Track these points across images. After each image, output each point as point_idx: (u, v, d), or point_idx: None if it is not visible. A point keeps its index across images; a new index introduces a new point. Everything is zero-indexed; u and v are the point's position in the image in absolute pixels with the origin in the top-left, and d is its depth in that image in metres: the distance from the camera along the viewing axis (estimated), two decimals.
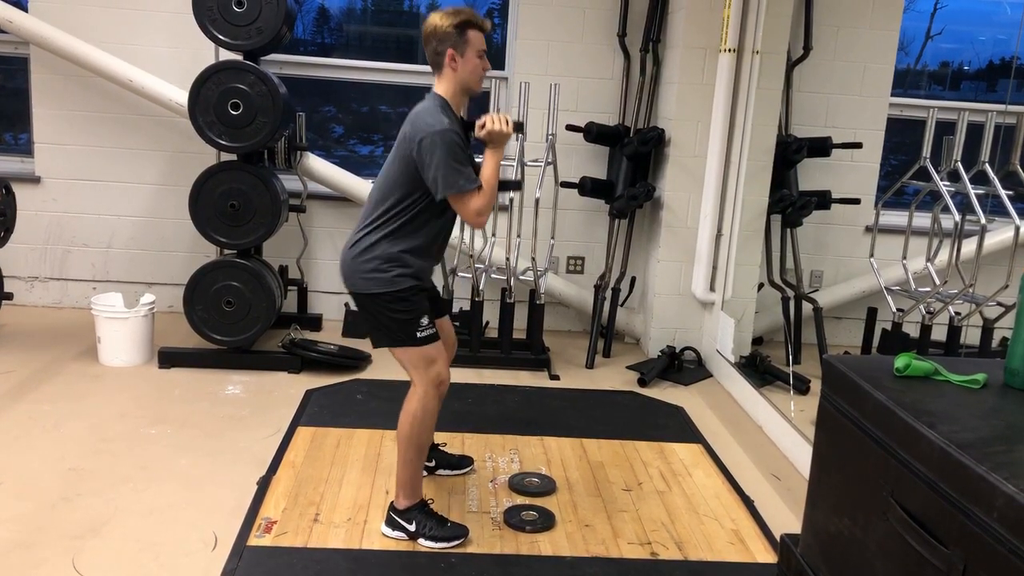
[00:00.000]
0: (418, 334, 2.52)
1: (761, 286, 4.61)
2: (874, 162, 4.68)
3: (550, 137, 4.31)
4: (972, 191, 3.60)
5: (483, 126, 2.50)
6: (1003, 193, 3.55)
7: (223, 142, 4.01)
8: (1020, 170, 3.60)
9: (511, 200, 4.43)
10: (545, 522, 2.77)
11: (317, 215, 4.92)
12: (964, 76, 4.83)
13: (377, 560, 2.52)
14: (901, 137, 4.77)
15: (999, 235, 3.72)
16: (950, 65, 4.87)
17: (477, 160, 2.59)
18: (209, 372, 4.01)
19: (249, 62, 4.02)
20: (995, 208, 3.61)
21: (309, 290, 4.93)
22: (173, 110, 4.46)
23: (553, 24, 4.78)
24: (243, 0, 3.92)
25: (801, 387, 3.97)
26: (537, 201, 4.24)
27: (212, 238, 4.12)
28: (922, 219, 3.96)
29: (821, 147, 4.52)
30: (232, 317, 4.07)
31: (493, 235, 4.51)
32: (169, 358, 4.07)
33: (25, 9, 4.56)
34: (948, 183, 3.69)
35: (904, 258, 4.00)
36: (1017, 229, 3.54)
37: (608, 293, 4.75)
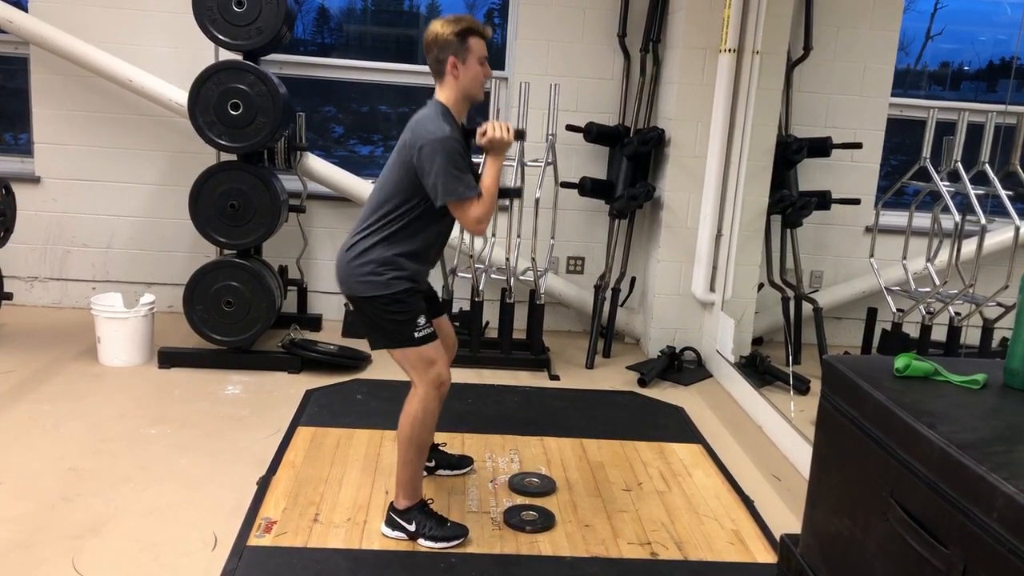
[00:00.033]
0: (415, 335, 2.53)
1: (761, 286, 4.61)
2: (874, 162, 4.68)
3: (550, 137, 4.31)
4: (972, 191, 3.60)
5: (484, 133, 2.50)
6: (1003, 193, 3.55)
7: (223, 142, 4.01)
8: (1020, 170, 3.60)
9: (511, 201, 4.43)
10: (545, 522, 2.77)
11: (317, 215, 4.93)
12: (964, 76, 4.83)
13: (377, 560, 2.52)
14: (901, 137, 4.77)
15: (999, 235, 3.72)
16: (950, 65, 4.87)
17: (476, 161, 2.59)
18: (209, 372, 4.01)
19: (249, 62, 4.02)
20: (995, 208, 3.61)
21: (309, 290, 4.93)
22: (173, 110, 4.46)
23: (553, 24, 4.78)
24: (243, 0, 3.92)
25: (801, 387, 3.97)
26: (537, 201, 4.25)
27: (212, 238, 4.12)
28: (922, 219, 3.97)
29: (821, 147, 4.52)
30: (232, 317, 4.07)
31: (493, 235, 4.52)
32: (169, 358, 4.07)
33: (25, 9, 4.56)
34: (948, 183, 3.69)
35: (904, 258, 4.00)
36: (1017, 229, 3.54)
37: (608, 293, 4.75)
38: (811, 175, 4.65)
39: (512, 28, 4.88)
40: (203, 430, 3.38)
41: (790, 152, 4.42)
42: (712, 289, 4.55)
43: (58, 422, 3.37)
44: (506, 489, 3.02)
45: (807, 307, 4.55)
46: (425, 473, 2.87)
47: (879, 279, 4.04)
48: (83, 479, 2.91)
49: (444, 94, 2.53)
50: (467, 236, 4.49)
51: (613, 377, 4.41)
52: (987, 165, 3.63)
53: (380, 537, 2.63)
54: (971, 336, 3.82)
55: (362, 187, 4.64)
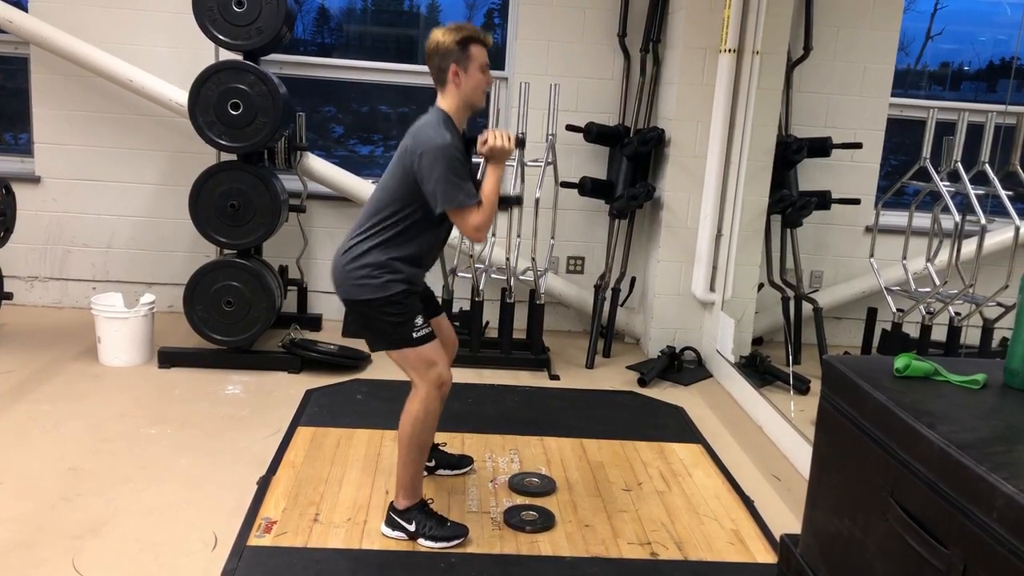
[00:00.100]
0: (414, 335, 2.53)
1: (761, 286, 4.61)
2: (874, 162, 4.68)
3: (550, 137, 4.30)
4: (972, 191, 3.60)
5: (485, 142, 2.51)
6: (1003, 193, 3.55)
7: (223, 142, 4.01)
8: (1020, 170, 3.60)
9: (511, 207, 4.43)
10: (545, 522, 2.77)
11: (317, 215, 4.93)
12: (964, 76, 4.83)
13: (377, 560, 2.52)
14: (901, 137, 4.77)
15: (999, 235, 3.73)
16: (950, 65, 4.87)
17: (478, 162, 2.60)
18: (209, 372, 4.01)
19: (249, 62, 4.02)
20: (995, 208, 3.61)
21: (309, 290, 4.93)
22: (173, 110, 4.46)
23: (553, 24, 4.78)
24: (243, 0, 3.92)
25: (801, 387, 3.97)
26: (537, 201, 4.24)
27: (212, 238, 4.12)
28: (922, 219, 3.97)
29: (821, 147, 4.52)
30: (232, 317, 4.07)
31: (493, 235, 4.52)
32: (169, 358, 4.07)
33: (25, 9, 4.56)
34: (948, 183, 3.69)
35: (904, 258, 4.00)
36: (1017, 229, 3.54)
37: (608, 293, 4.75)
38: (811, 175, 4.65)
39: (512, 28, 4.88)
40: (203, 430, 3.38)
41: (790, 152, 4.42)
42: (712, 289, 4.55)
43: (58, 422, 3.37)
44: (506, 489, 3.02)
45: (807, 307, 4.55)
46: (425, 473, 2.87)
47: (879, 279, 4.04)
48: (83, 479, 2.91)
49: (446, 102, 2.54)
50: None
51: (613, 377, 4.41)
52: (987, 165, 3.63)
53: (380, 537, 2.63)
54: (971, 336, 3.83)
55: (362, 187, 4.64)
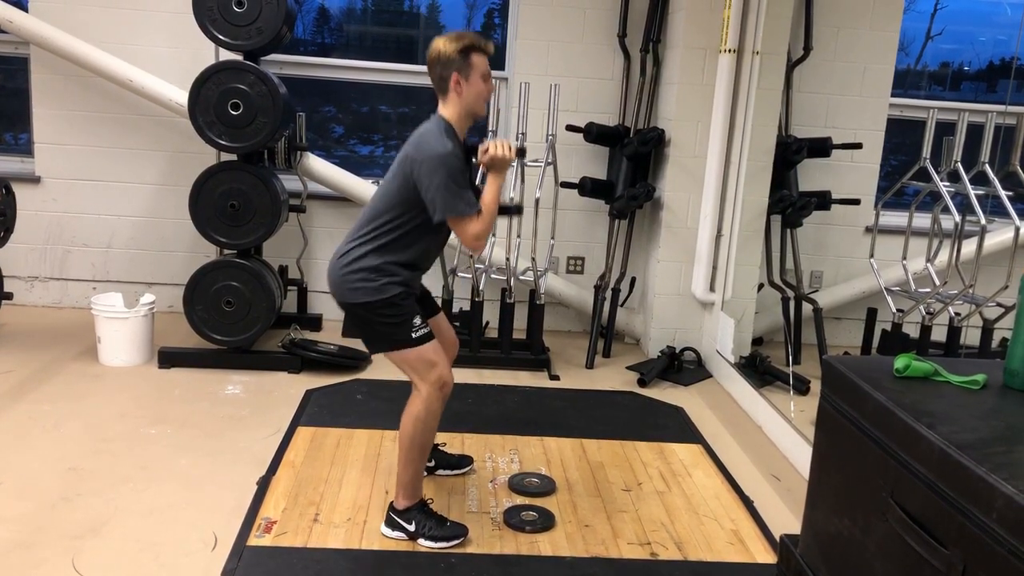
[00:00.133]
0: (413, 335, 2.53)
1: (761, 286, 4.61)
2: (874, 163, 4.68)
3: (550, 137, 4.31)
4: (972, 192, 3.60)
5: (486, 151, 2.51)
6: (1003, 194, 3.55)
7: (223, 142, 4.01)
8: (1020, 171, 3.60)
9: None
10: (545, 522, 2.77)
11: (317, 215, 4.93)
12: (964, 77, 4.83)
13: (377, 560, 2.52)
14: (901, 137, 4.77)
15: (999, 236, 3.73)
16: (950, 66, 4.87)
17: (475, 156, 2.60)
18: (209, 372, 4.01)
19: (249, 62, 4.02)
20: (995, 209, 3.61)
21: (309, 290, 4.93)
22: (173, 110, 4.46)
23: (553, 24, 4.78)
24: (243, 0, 3.92)
25: (801, 387, 3.97)
26: (537, 201, 4.25)
27: (212, 238, 4.12)
28: (922, 220, 3.97)
29: (821, 147, 4.52)
30: (232, 317, 4.07)
31: (493, 235, 4.51)
32: (169, 358, 4.07)
33: (25, 9, 4.56)
34: (948, 184, 3.69)
35: (904, 259, 4.00)
36: (1017, 230, 3.54)
37: (608, 293, 4.75)
38: (811, 175, 4.65)
39: (512, 28, 4.88)
40: (203, 430, 3.38)
41: (790, 152, 4.42)
42: (712, 289, 4.55)
43: (58, 422, 3.37)
44: (506, 489, 3.02)
45: (807, 307, 4.55)
46: (425, 473, 2.87)
47: (879, 279, 4.04)
48: (83, 479, 2.91)
49: (447, 110, 2.54)
50: None
51: (613, 377, 4.41)
52: (987, 165, 3.63)
53: (380, 537, 2.63)
54: (971, 336, 3.83)
55: (362, 187, 4.64)
